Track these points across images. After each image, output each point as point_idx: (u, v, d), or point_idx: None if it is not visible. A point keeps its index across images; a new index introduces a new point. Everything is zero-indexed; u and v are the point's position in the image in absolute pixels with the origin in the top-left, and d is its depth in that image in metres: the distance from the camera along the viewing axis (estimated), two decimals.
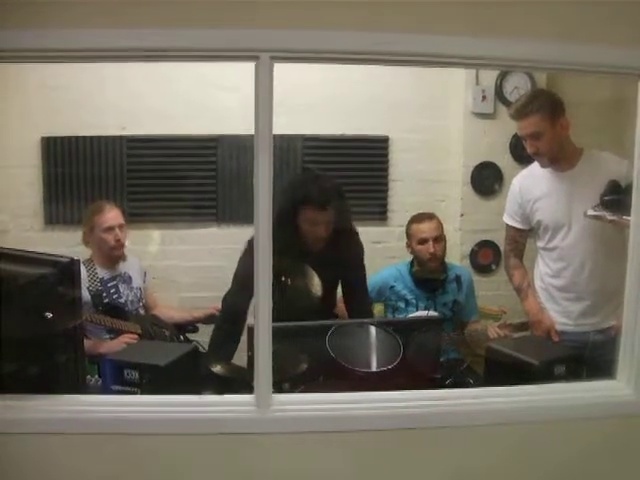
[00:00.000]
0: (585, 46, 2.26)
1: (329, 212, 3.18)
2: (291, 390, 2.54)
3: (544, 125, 3.01)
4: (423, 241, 3.71)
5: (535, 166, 3.21)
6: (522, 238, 3.34)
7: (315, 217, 3.16)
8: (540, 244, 3.24)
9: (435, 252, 3.69)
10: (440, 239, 3.75)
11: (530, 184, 3.23)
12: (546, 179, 3.17)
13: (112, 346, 3.30)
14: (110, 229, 3.59)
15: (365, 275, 3.49)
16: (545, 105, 3.04)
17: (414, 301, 3.72)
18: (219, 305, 3.44)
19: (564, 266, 3.14)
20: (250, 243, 3.15)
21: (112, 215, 3.63)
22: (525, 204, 3.23)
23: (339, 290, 3.52)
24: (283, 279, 2.89)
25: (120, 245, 3.63)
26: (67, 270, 2.37)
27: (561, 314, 3.18)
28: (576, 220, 3.05)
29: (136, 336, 3.42)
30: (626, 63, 2.33)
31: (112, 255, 3.65)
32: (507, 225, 3.36)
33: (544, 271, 3.24)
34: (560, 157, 3.10)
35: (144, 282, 3.87)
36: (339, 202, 3.24)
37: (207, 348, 3.19)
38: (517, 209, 3.28)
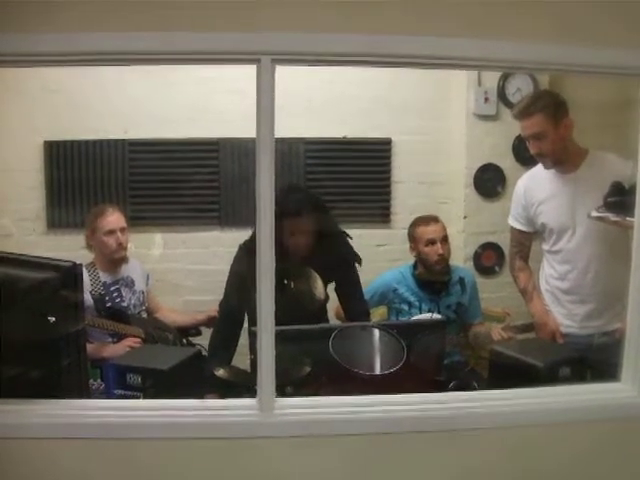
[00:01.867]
0: (587, 47, 2.25)
1: (304, 221, 3.19)
2: (294, 394, 2.53)
3: (547, 125, 3.00)
4: (431, 243, 3.70)
5: (539, 168, 3.20)
6: (527, 240, 3.33)
7: (292, 228, 3.17)
8: (545, 246, 3.23)
9: (443, 253, 3.69)
10: (446, 240, 3.74)
11: (534, 186, 3.22)
12: (550, 181, 3.16)
13: (115, 350, 3.29)
14: (112, 232, 3.60)
15: (358, 276, 3.47)
16: (548, 105, 3.03)
17: (417, 304, 3.71)
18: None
19: (569, 269, 3.13)
20: (242, 247, 3.16)
21: (114, 218, 3.63)
22: (529, 206, 3.23)
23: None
24: (286, 282, 2.89)
25: (122, 248, 3.62)
26: (70, 274, 2.37)
27: (566, 317, 3.17)
28: (581, 222, 3.04)
29: (139, 340, 3.42)
30: (628, 64, 2.32)
31: (114, 258, 3.64)
32: (512, 227, 3.35)
33: (549, 273, 3.23)
34: (564, 158, 3.08)
35: (147, 285, 3.87)
36: (316, 210, 3.25)
37: (207, 352, 3.19)
38: (521, 211, 3.27)
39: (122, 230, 3.63)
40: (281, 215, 3.07)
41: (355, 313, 3.41)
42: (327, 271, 3.26)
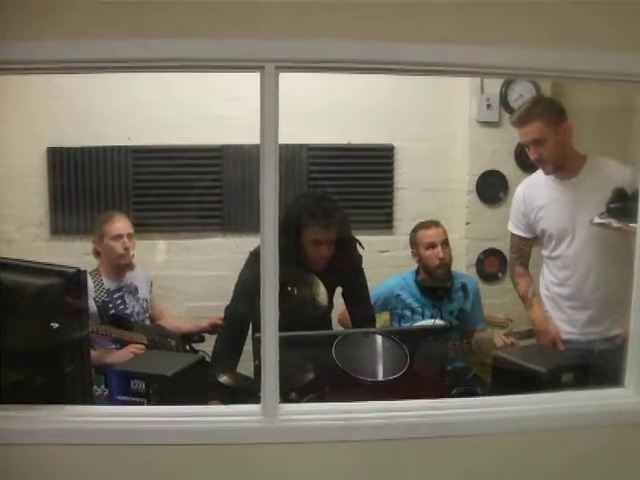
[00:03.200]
0: (590, 54, 2.26)
1: (332, 232, 3.20)
2: (298, 400, 2.54)
3: (546, 131, 3.01)
4: (431, 246, 3.70)
5: (539, 174, 3.21)
6: (527, 246, 3.34)
7: (318, 237, 3.18)
8: (545, 252, 3.23)
9: (444, 256, 3.69)
10: (446, 244, 3.74)
11: (534, 192, 3.23)
12: (550, 187, 3.16)
13: (119, 356, 3.30)
14: (118, 237, 3.63)
15: (365, 282, 3.49)
16: (546, 111, 3.04)
17: (420, 310, 3.71)
18: (222, 315, 3.44)
19: (569, 274, 3.14)
20: (253, 255, 3.16)
21: (121, 224, 3.67)
22: (529, 212, 3.23)
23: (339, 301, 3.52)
24: (289, 289, 2.89)
25: (128, 254, 3.65)
26: (73, 280, 2.37)
27: (567, 323, 3.17)
28: (580, 228, 3.04)
29: (142, 346, 3.42)
30: (631, 70, 2.33)
31: (120, 264, 3.67)
32: (512, 234, 3.36)
33: (549, 279, 3.23)
34: (564, 164, 3.09)
35: (150, 292, 3.88)
36: (340, 220, 3.25)
37: (211, 358, 3.19)
38: (521, 217, 3.28)
39: (129, 236, 3.67)
40: (308, 225, 3.10)
41: (362, 318, 3.42)
42: (336, 276, 3.27)
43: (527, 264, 3.37)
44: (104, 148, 4.55)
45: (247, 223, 4.59)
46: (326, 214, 3.17)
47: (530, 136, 3.05)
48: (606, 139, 3.68)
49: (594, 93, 3.67)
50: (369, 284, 3.52)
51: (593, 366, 2.79)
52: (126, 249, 3.64)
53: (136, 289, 3.75)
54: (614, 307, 3.03)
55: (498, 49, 2.24)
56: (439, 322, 3.49)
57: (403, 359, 2.69)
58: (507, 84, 4.52)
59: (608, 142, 3.63)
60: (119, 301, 3.66)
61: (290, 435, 2.31)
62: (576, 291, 3.13)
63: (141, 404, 2.45)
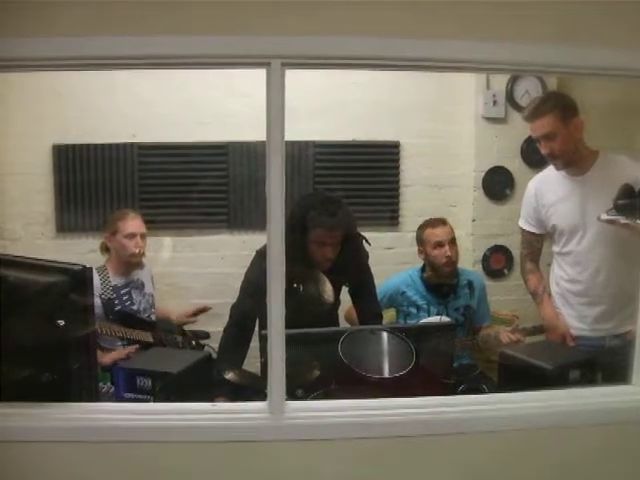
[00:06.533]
0: (595, 49, 2.25)
1: (335, 235, 3.20)
2: (304, 397, 2.53)
3: (558, 125, 3.00)
4: (439, 245, 3.70)
5: (550, 170, 3.19)
6: (538, 242, 3.32)
7: (322, 240, 3.18)
8: (556, 248, 3.22)
9: (451, 255, 3.68)
10: (454, 242, 3.74)
11: (545, 188, 3.21)
12: (561, 183, 3.15)
13: (113, 356, 3.29)
14: (132, 236, 3.63)
15: (372, 278, 3.49)
16: (558, 105, 3.03)
17: (426, 307, 3.71)
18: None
19: (580, 271, 3.12)
20: (259, 253, 3.16)
21: (135, 223, 3.68)
22: (540, 208, 3.22)
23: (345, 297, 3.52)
24: (295, 286, 2.89)
25: (139, 253, 3.66)
26: (79, 278, 2.37)
27: (577, 319, 3.16)
28: (591, 224, 3.02)
29: (135, 347, 3.41)
30: (635, 65, 2.32)
31: (130, 262, 3.67)
32: (523, 229, 3.34)
33: (560, 275, 3.22)
34: (575, 159, 3.07)
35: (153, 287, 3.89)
36: (345, 221, 3.25)
37: (216, 355, 3.19)
38: (532, 213, 3.26)
39: (142, 236, 3.68)
40: (312, 227, 3.10)
41: (369, 315, 3.42)
42: (343, 273, 3.27)
43: (538, 260, 3.35)
44: (109, 145, 4.55)
45: (253, 220, 4.59)
46: (330, 217, 3.16)
47: (541, 131, 3.04)
48: (612, 135, 3.67)
49: (600, 89, 3.66)
50: (375, 281, 3.52)
51: (603, 363, 2.78)
52: (138, 248, 3.65)
53: (142, 285, 3.76)
54: (625, 304, 2.99)
55: (504, 45, 2.24)
56: (445, 319, 3.49)
57: (409, 356, 2.69)
58: (513, 80, 4.51)
59: (614, 138, 3.62)
60: (126, 297, 3.65)
61: (296, 432, 2.31)
62: (587, 287, 3.11)
63: (147, 401, 2.45)
